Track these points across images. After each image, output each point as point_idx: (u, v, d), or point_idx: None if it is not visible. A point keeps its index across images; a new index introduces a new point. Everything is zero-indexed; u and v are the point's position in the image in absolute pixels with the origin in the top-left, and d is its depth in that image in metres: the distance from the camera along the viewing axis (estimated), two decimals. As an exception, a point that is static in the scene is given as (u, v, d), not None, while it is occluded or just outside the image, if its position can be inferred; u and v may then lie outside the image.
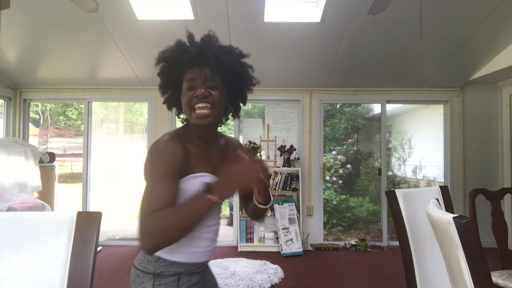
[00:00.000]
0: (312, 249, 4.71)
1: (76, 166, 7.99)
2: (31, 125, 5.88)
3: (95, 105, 5.20)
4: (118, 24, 3.64)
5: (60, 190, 7.00)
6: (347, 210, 6.31)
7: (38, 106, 7.59)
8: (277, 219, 4.64)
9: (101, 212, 0.98)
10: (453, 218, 1.08)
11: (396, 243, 4.60)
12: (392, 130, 7.40)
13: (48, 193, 4.55)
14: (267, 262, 3.11)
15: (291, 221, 4.66)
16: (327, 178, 6.19)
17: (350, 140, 7.15)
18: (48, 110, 8.15)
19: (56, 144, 8.62)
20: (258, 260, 3.19)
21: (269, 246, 4.68)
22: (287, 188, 4.78)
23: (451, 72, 4.57)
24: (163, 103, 1.21)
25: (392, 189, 1.69)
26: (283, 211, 4.70)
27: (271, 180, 4.68)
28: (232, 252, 4.53)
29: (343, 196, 6.44)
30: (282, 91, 4.96)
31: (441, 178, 5.47)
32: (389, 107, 5.63)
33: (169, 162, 1.02)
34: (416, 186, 6.85)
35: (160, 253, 1.07)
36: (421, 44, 3.31)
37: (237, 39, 3.76)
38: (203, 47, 1.08)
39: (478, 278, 1.03)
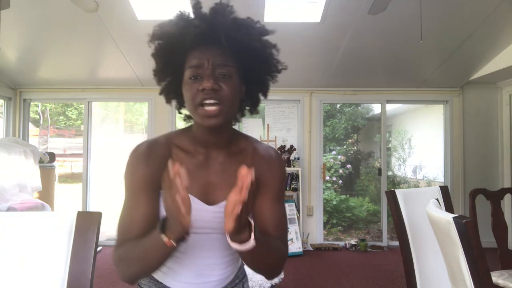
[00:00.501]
0: (312, 249, 4.71)
1: (76, 166, 8.00)
2: (31, 125, 5.88)
3: (95, 105, 5.19)
4: (118, 24, 3.63)
5: (60, 190, 6.99)
6: (347, 210, 6.30)
7: (38, 106, 7.59)
8: (277, 219, 4.64)
9: (101, 212, 0.98)
10: (453, 218, 1.08)
11: (396, 243, 4.60)
12: (392, 130, 7.40)
13: (48, 193, 4.54)
14: (267, 262, 3.10)
15: (291, 221, 4.65)
16: (327, 178, 6.19)
17: (350, 140, 7.15)
18: (48, 110, 8.16)
19: (56, 144, 8.63)
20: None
21: (269, 246, 4.68)
22: (287, 188, 4.77)
23: (451, 72, 4.57)
24: (160, 93, 0.93)
25: (392, 189, 1.69)
26: (283, 211, 4.69)
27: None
28: (232, 252, 4.53)
29: (343, 196, 6.43)
30: (282, 91, 4.95)
31: (441, 178, 5.47)
32: (389, 107, 5.62)
33: (145, 172, 0.84)
34: (416, 186, 6.85)
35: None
36: (421, 44, 3.30)
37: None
38: (213, 20, 0.81)
39: (478, 278, 1.03)
